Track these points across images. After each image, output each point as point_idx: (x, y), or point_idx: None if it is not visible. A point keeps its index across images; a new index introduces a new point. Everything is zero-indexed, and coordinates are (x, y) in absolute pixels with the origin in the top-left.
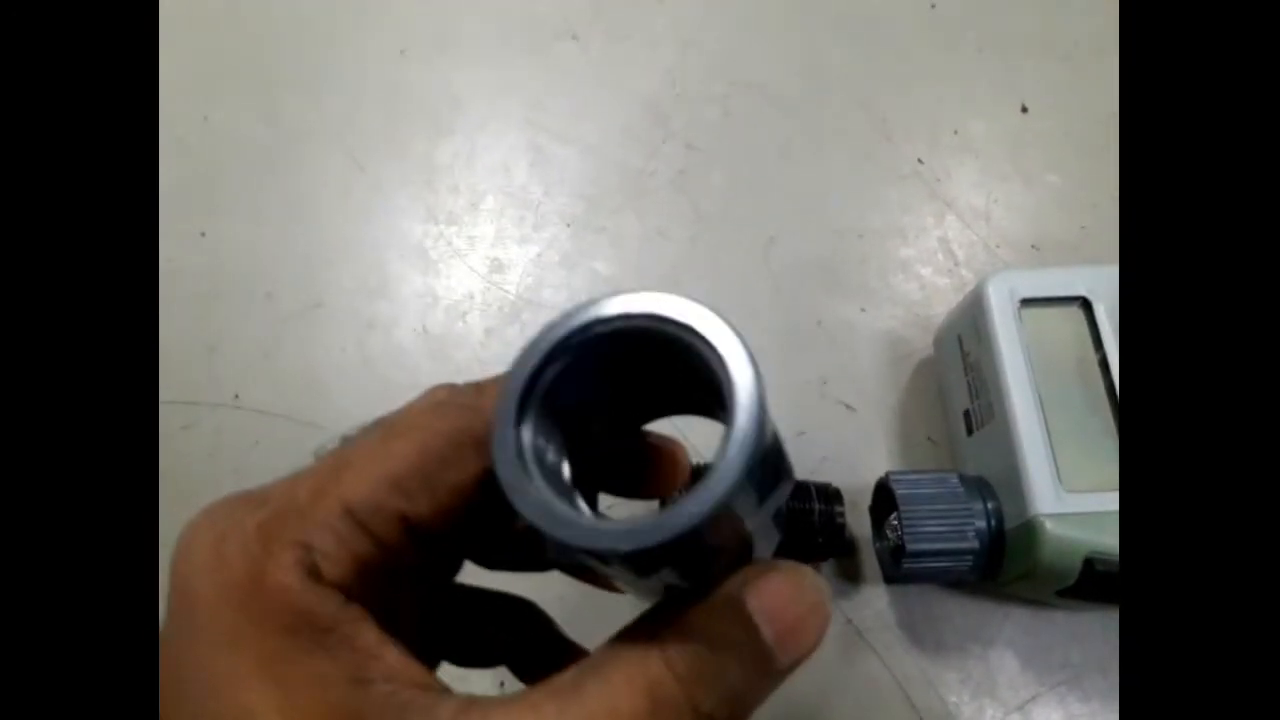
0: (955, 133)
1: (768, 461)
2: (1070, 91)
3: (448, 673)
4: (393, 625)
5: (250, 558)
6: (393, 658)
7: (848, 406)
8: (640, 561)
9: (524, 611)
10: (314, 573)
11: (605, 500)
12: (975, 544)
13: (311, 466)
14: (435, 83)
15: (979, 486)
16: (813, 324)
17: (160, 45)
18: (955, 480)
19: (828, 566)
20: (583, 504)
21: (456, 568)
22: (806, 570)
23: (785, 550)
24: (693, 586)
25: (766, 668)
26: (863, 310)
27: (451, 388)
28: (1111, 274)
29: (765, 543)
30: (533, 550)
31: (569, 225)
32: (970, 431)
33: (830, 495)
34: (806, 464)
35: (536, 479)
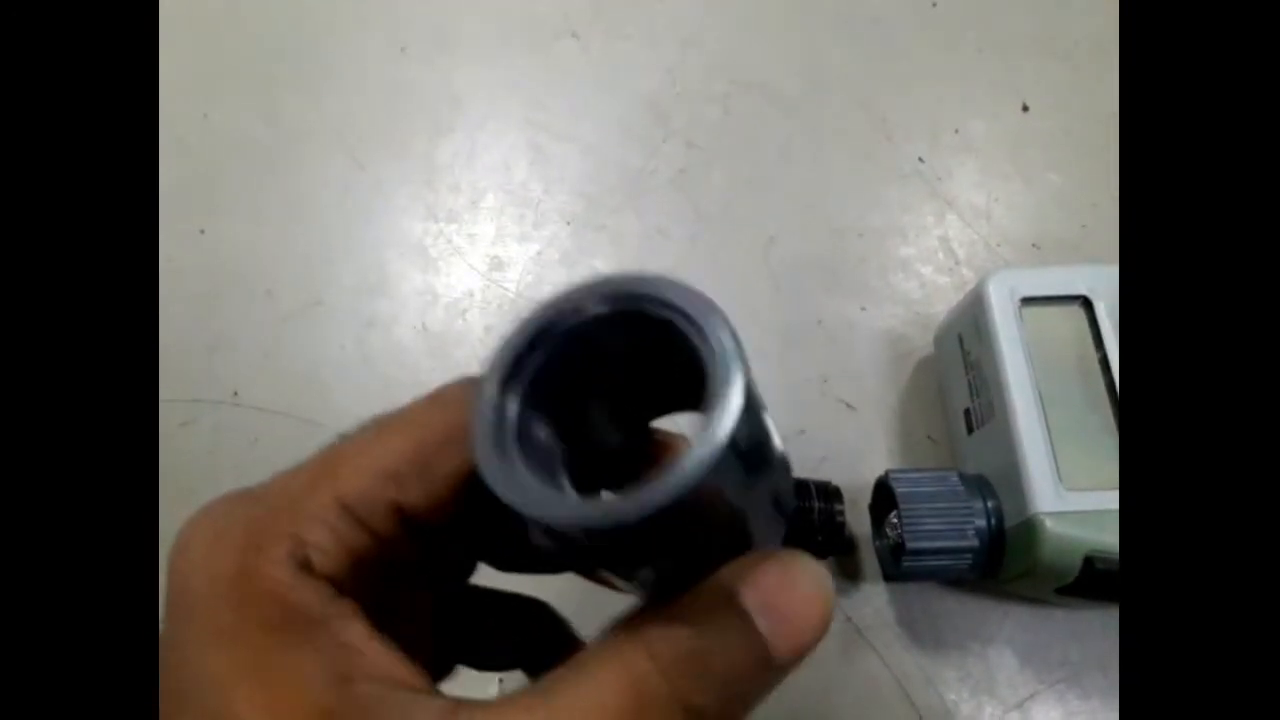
0: (956, 132)
1: (754, 435)
2: (1071, 90)
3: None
4: (391, 623)
5: (241, 553)
6: (380, 655)
7: (848, 405)
8: (625, 546)
9: (537, 613)
10: (306, 566)
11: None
12: (975, 542)
13: (305, 461)
14: (435, 81)
15: (979, 485)
16: (813, 323)
17: (161, 43)
18: (955, 478)
19: (828, 565)
20: (568, 486)
21: (469, 570)
22: (805, 558)
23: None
24: (687, 579)
25: (763, 660)
26: (863, 309)
27: (459, 382)
28: (1112, 273)
29: (767, 535)
30: (538, 549)
31: (569, 223)
32: (970, 430)
33: (830, 493)
34: (807, 462)
35: (515, 455)
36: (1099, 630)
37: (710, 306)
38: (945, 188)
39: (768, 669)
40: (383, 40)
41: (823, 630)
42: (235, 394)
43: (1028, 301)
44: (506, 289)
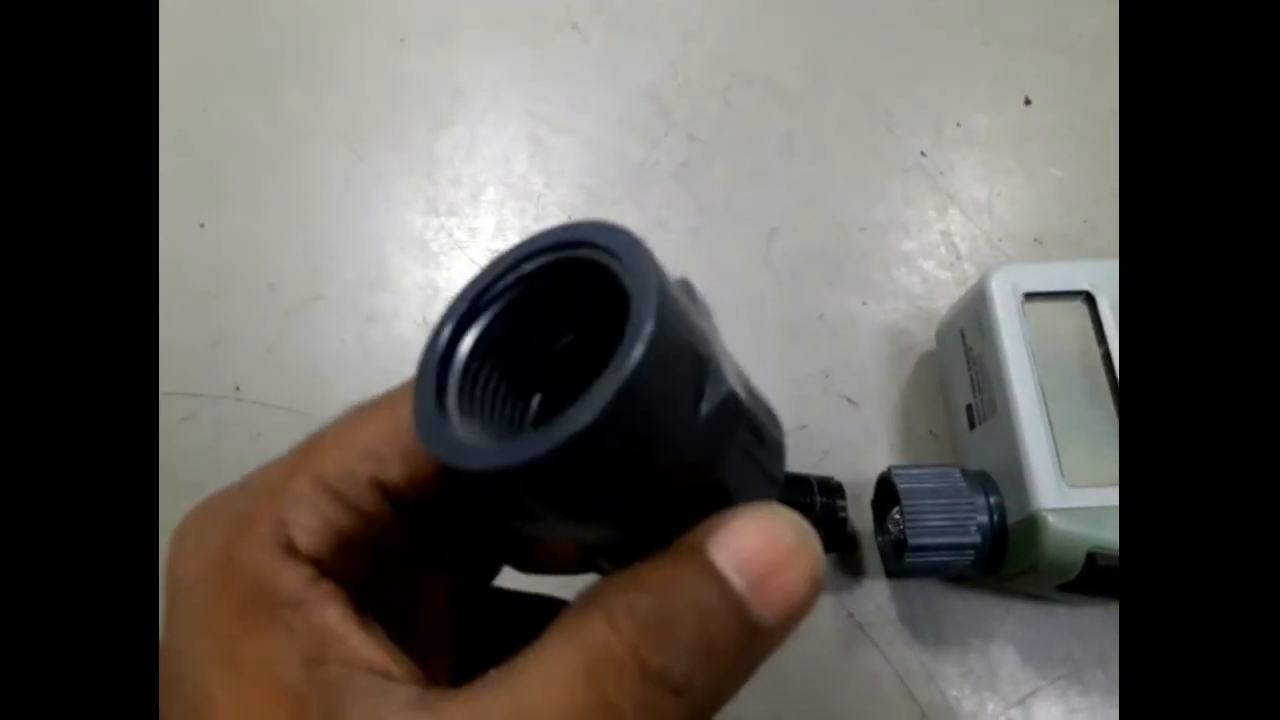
0: (958, 126)
1: (685, 372)
2: (1073, 85)
3: None
4: (379, 609)
5: (226, 539)
6: (355, 639)
7: (849, 400)
8: (559, 494)
9: (555, 613)
10: (290, 548)
11: None
12: (977, 538)
13: (290, 449)
14: (435, 73)
15: (981, 481)
16: (814, 317)
17: (161, 38)
18: (957, 474)
19: (829, 560)
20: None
21: (492, 572)
22: (784, 511)
23: None
24: (651, 542)
25: (744, 623)
26: (865, 303)
27: None
28: (1115, 268)
29: (750, 499)
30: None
31: (570, 217)
32: (972, 426)
33: (832, 489)
34: (808, 458)
35: (457, 410)
36: (1101, 627)
37: (634, 242)
38: (947, 182)
39: (754, 634)
40: (382, 32)
41: (811, 589)
42: (237, 389)
43: (1030, 297)
44: None
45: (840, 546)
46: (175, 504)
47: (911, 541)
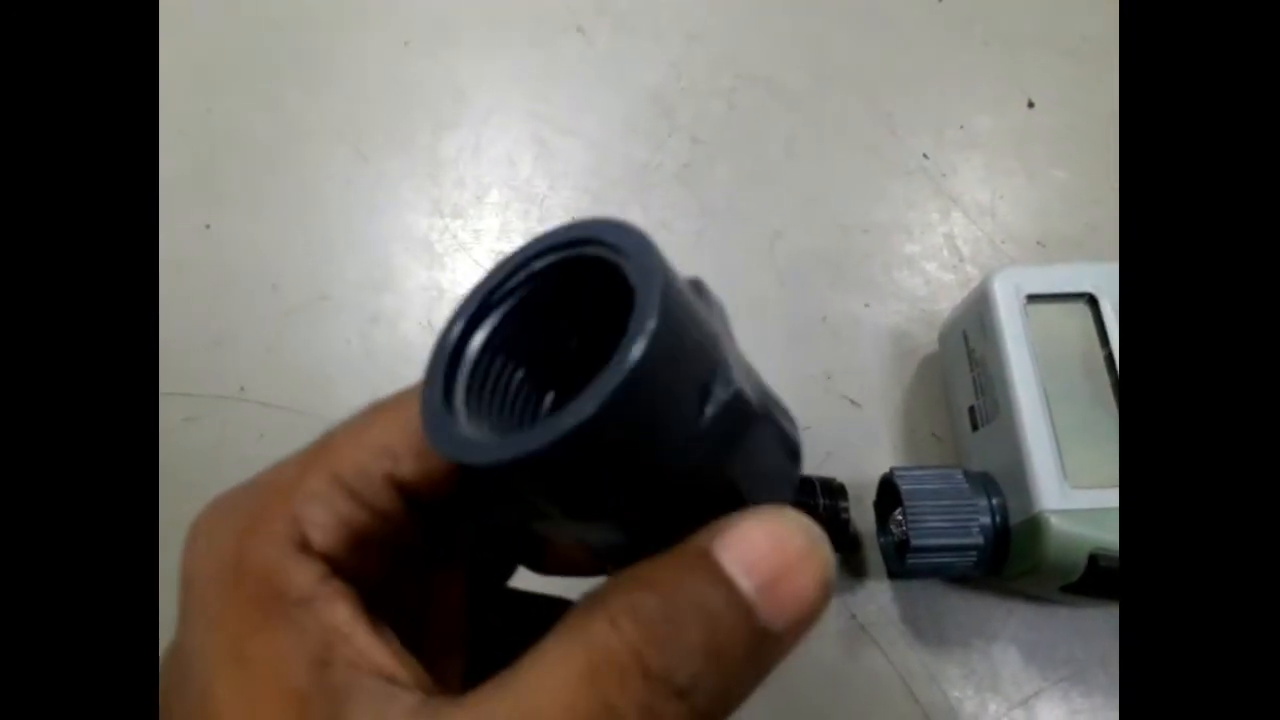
0: (961, 128)
1: (690, 368)
2: (1076, 87)
3: None
4: (392, 608)
5: (239, 535)
6: (363, 640)
7: (852, 402)
8: (565, 490)
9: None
10: (302, 545)
11: None
12: (980, 539)
13: (304, 447)
14: (440, 75)
15: (984, 482)
16: (817, 319)
17: (163, 37)
18: (960, 476)
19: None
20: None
21: (507, 573)
22: (793, 513)
23: None
24: (659, 543)
25: (752, 628)
26: (867, 305)
27: None
28: (1117, 270)
29: (762, 499)
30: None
31: (574, 218)
32: (975, 427)
33: (835, 490)
34: (810, 459)
35: (464, 406)
36: (1103, 628)
37: (641, 239)
38: (950, 184)
39: (762, 640)
40: (386, 34)
41: (821, 595)
42: (241, 389)
43: (1033, 299)
44: None
45: (843, 548)
46: (179, 504)
47: (914, 542)
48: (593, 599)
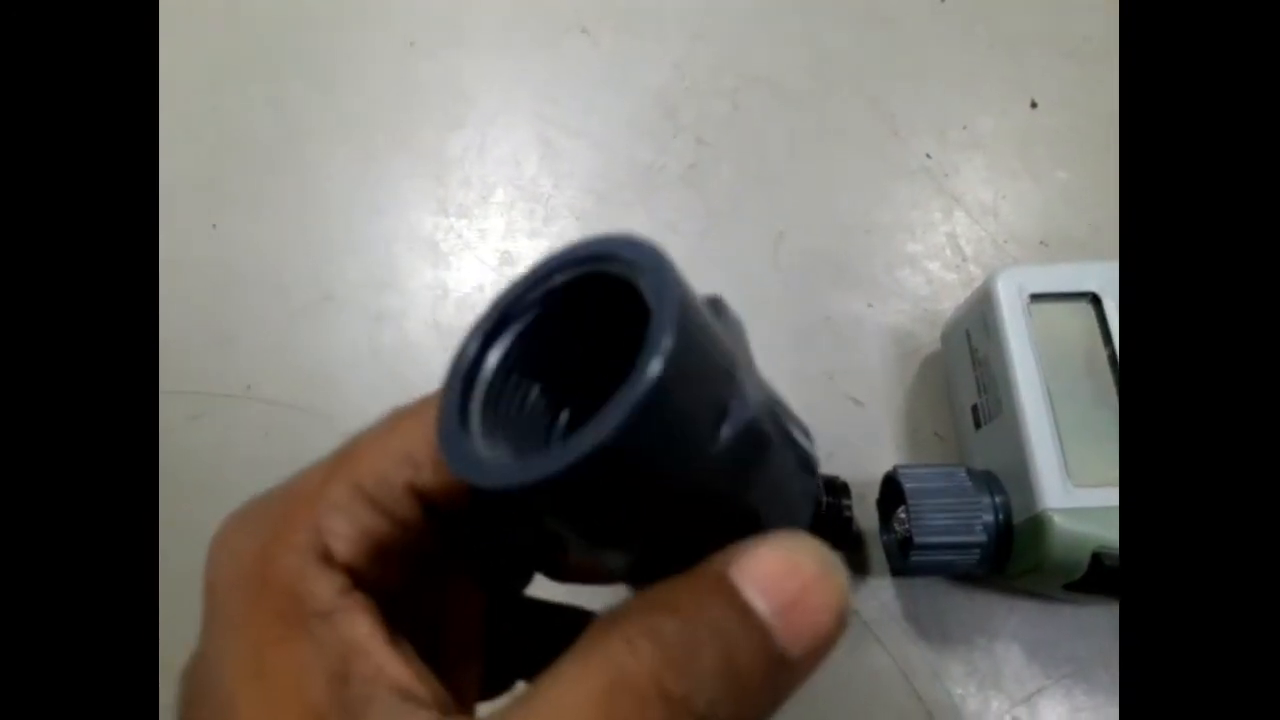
0: (964, 128)
1: (707, 390)
2: (1079, 87)
3: None
4: (411, 619)
5: (262, 546)
6: (381, 655)
7: (855, 401)
8: (579, 512)
9: (587, 624)
10: (325, 555)
11: None
12: (982, 537)
13: (328, 455)
14: (445, 76)
15: (987, 480)
16: (821, 319)
17: (169, 38)
18: (963, 474)
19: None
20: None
21: (524, 581)
22: (808, 539)
23: None
24: (676, 565)
25: (770, 653)
26: (870, 305)
27: None
28: None
29: (780, 519)
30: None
31: (579, 219)
32: (978, 426)
33: (838, 489)
34: None
35: (479, 426)
36: (1106, 626)
37: (657, 258)
38: (953, 184)
39: (780, 665)
40: (392, 34)
41: (838, 620)
42: (248, 388)
43: (1036, 298)
44: None
45: (845, 546)
46: (185, 501)
47: (917, 540)
48: (610, 620)
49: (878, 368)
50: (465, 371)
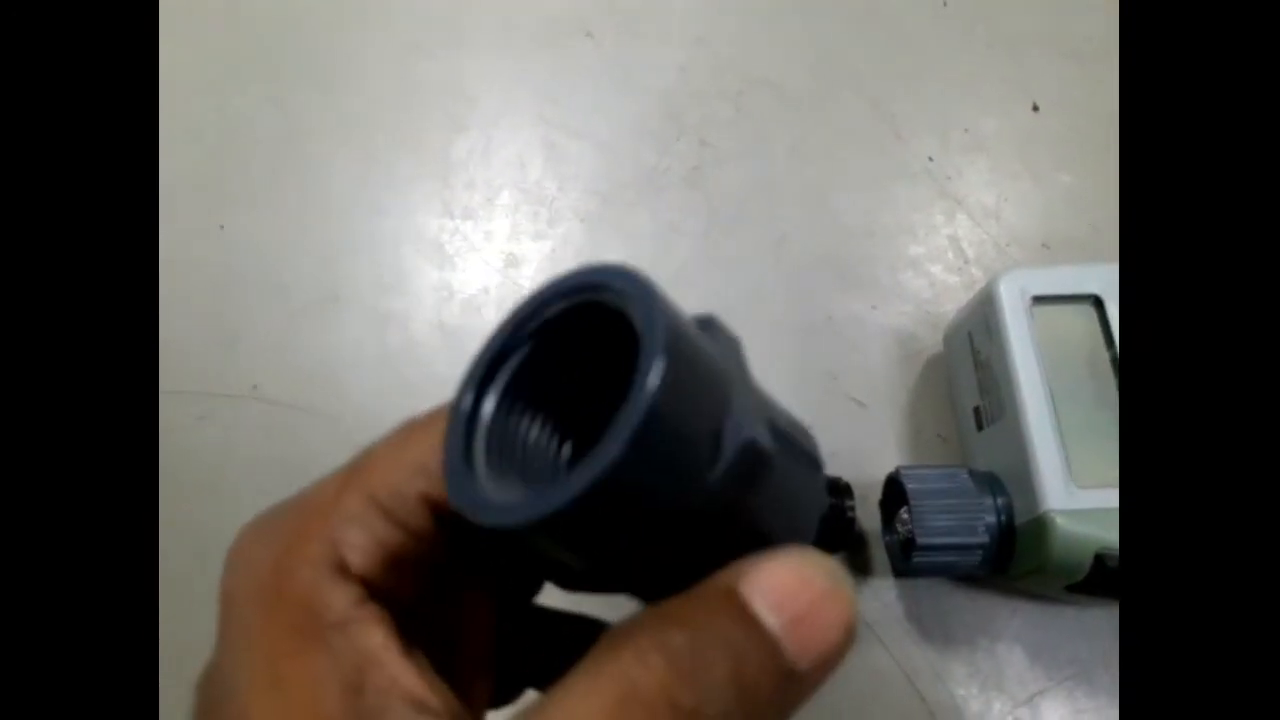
0: (966, 131)
1: (698, 397)
2: (1081, 90)
3: None
4: (423, 629)
5: (277, 557)
6: (395, 666)
7: (858, 402)
8: (588, 541)
9: (597, 633)
10: (340, 567)
11: None
12: (985, 538)
13: (342, 465)
14: (450, 78)
15: (989, 482)
16: (823, 320)
17: (173, 38)
18: (965, 475)
19: (837, 560)
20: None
21: (534, 589)
22: (816, 554)
23: None
24: (683, 580)
25: (778, 665)
26: (873, 307)
27: None
28: None
29: (787, 531)
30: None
31: (583, 221)
32: (980, 428)
33: (840, 490)
34: None
35: (483, 463)
36: (1108, 628)
37: (642, 286)
38: (955, 187)
39: (789, 679)
40: (397, 36)
41: (846, 634)
42: (253, 388)
43: (1039, 300)
44: (522, 286)
45: (848, 546)
46: (191, 502)
47: (919, 541)
48: (621, 633)
49: (880, 369)
50: (465, 417)
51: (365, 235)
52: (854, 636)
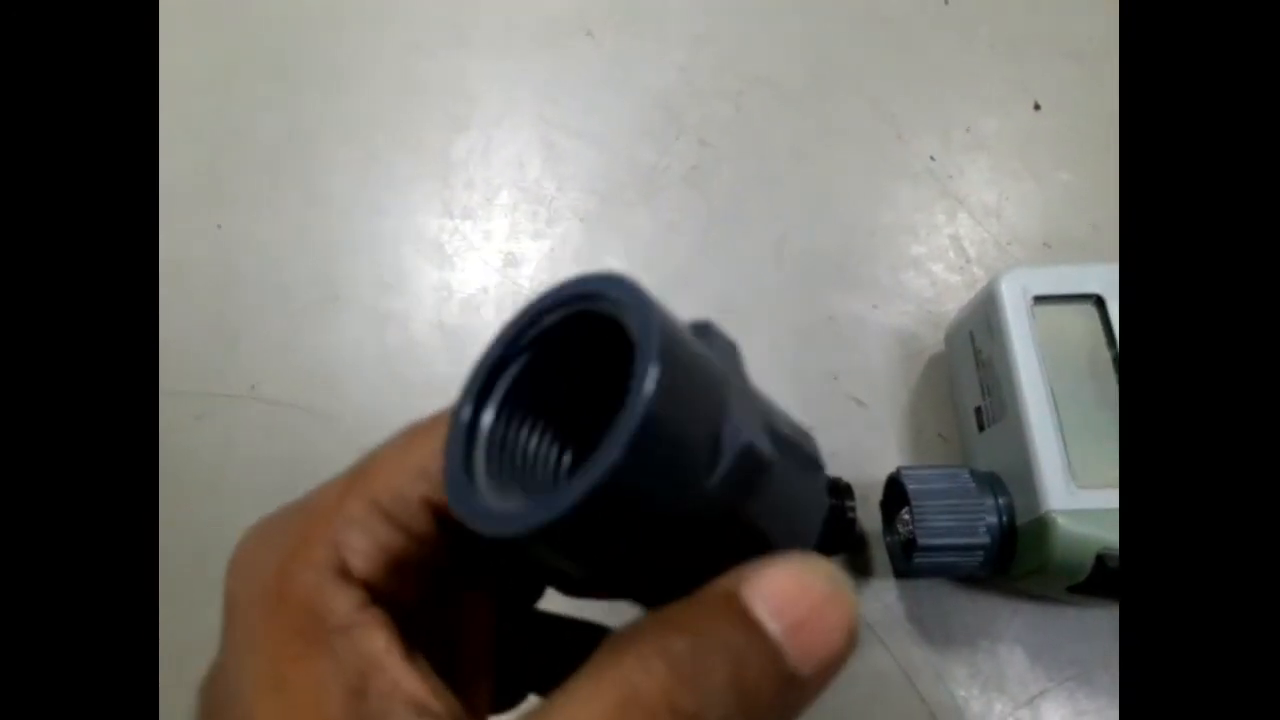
0: (967, 130)
1: (694, 404)
2: (1082, 89)
3: None
4: (426, 634)
5: (280, 561)
6: (398, 670)
7: (859, 402)
8: (582, 554)
9: (599, 639)
10: (342, 571)
11: None
12: (986, 539)
13: (345, 470)
14: (449, 77)
15: (990, 482)
16: (824, 320)
17: (174, 37)
18: (967, 475)
19: (838, 561)
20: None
21: (536, 595)
22: (818, 559)
23: None
24: (684, 585)
25: (779, 671)
26: (874, 306)
27: None
28: None
29: (788, 535)
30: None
31: (582, 220)
32: (982, 428)
33: (841, 490)
34: None
35: (484, 474)
36: (1109, 629)
37: (638, 295)
38: (956, 186)
39: (790, 684)
40: (397, 35)
41: (847, 640)
42: (252, 388)
43: (1040, 300)
44: (521, 285)
45: (849, 547)
46: (189, 502)
47: (920, 542)
48: (623, 638)
49: (881, 369)
50: (465, 430)
51: (364, 234)
52: (856, 642)
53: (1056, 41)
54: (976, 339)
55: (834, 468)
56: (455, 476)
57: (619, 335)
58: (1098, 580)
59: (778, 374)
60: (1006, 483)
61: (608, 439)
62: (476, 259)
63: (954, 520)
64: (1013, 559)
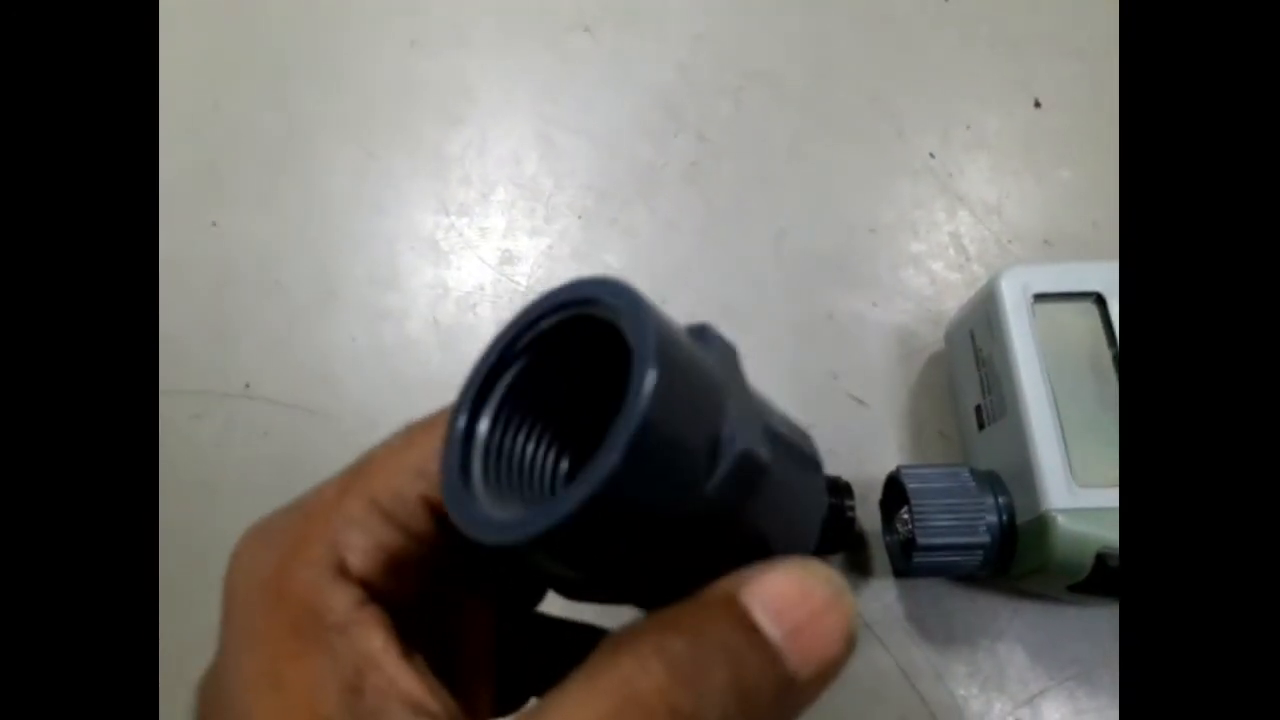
0: (967, 127)
1: (692, 408)
2: (1083, 87)
3: None
4: (424, 634)
5: (279, 559)
6: (395, 668)
7: (858, 400)
8: (587, 558)
9: (599, 642)
10: (340, 569)
11: None
12: (986, 538)
13: (343, 469)
14: (447, 74)
15: (990, 481)
16: (823, 318)
17: (171, 35)
18: (967, 474)
19: (837, 560)
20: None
21: (536, 598)
22: (818, 564)
23: None
24: (683, 588)
25: (778, 673)
26: (874, 304)
27: None
28: None
29: (786, 539)
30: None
31: (580, 217)
32: (982, 426)
33: (840, 489)
34: None
35: (480, 481)
36: (1109, 628)
37: (630, 294)
38: (956, 184)
39: (789, 687)
40: (393, 31)
41: (846, 644)
42: (247, 386)
43: (1040, 298)
44: (517, 283)
45: (848, 546)
46: (186, 500)
47: (920, 541)
48: (621, 638)
49: (881, 367)
50: (461, 438)
51: (360, 232)
52: (854, 647)
53: (1057, 39)
54: (976, 337)
55: (833, 466)
56: (452, 484)
57: (615, 340)
58: (1098, 579)
59: (776, 372)
60: (1006, 481)
61: (605, 445)
62: (473, 256)
63: (954, 519)
64: (1013, 558)
